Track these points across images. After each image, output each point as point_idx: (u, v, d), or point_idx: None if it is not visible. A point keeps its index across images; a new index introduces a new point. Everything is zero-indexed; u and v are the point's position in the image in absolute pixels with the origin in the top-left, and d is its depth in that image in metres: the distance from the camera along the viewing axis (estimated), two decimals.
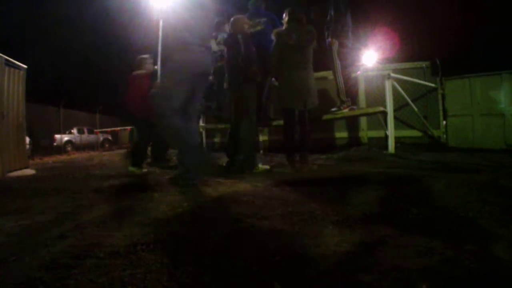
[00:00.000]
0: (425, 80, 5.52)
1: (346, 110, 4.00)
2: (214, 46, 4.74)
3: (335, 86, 4.12)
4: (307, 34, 3.39)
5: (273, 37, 3.55)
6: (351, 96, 4.06)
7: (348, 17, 3.91)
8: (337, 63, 3.91)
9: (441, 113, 5.57)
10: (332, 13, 3.90)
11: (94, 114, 16.86)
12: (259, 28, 4.17)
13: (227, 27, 4.38)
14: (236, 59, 3.42)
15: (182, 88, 2.46)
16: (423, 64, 5.69)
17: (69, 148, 13.74)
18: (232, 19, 3.68)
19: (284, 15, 3.54)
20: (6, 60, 4.17)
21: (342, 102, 4.00)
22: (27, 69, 4.75)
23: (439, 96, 5.58)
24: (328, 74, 5.25)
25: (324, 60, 4.13)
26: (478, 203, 1.66)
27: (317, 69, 3.93)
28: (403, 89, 4.99)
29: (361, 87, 5.85)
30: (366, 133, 5.99)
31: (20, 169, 4.38)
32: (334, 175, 2.96)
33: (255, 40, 3.79)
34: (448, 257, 1.04)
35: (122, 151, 10.66)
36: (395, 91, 4.67)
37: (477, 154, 4.28)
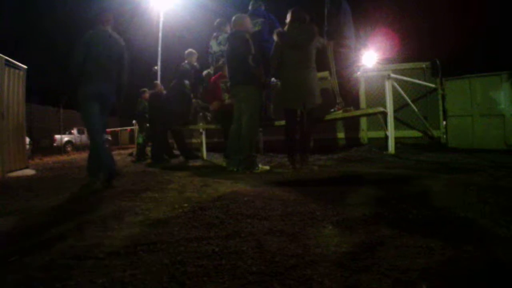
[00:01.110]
0: (425, 81, 5.51)
1: (340, 112, 3.98)
2: (215, 46, 4.75)
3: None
4: (306, 33, 3.38)
5: (274, 37, 3.54)
6: (352, 96, 4.04)
7: (342, 18, 3.85)
8: (333, 64, 3.89)
9: (441, 113, 5.56)
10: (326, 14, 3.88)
11: None
12: (256, 28, 4.17)
13: (228, 28, 4.38)
14: (246, 58, 3.40)
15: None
16: (423, 64, 5.67)
17: (69, 149, 13.74)
18: (235, 16, 3.66)
19: (287, 15, 3.54)
20: (6, 60, 4.17)
21: (337, 103, 3.98)
22: (27, 69, 4.75)
23: (439, 97, 5.57)
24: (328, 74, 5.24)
25: (323, 60, 4.11)
26: (478, 203, 1.66)
27: (319, 69, 3.91)
28: (403, 89, 4.98)
29: (361, 88, 5.84)
30: (366, 133, 5.98)
31: (20, 169, 4.38)
32: (334, 175, 2.96)
33: (253, 40, 3.79)
34: (448, 257, 1.04)
35: (123, 151, 10.67)
36: (395, 92, 4.67)
37: (477, 154, 4.28)
